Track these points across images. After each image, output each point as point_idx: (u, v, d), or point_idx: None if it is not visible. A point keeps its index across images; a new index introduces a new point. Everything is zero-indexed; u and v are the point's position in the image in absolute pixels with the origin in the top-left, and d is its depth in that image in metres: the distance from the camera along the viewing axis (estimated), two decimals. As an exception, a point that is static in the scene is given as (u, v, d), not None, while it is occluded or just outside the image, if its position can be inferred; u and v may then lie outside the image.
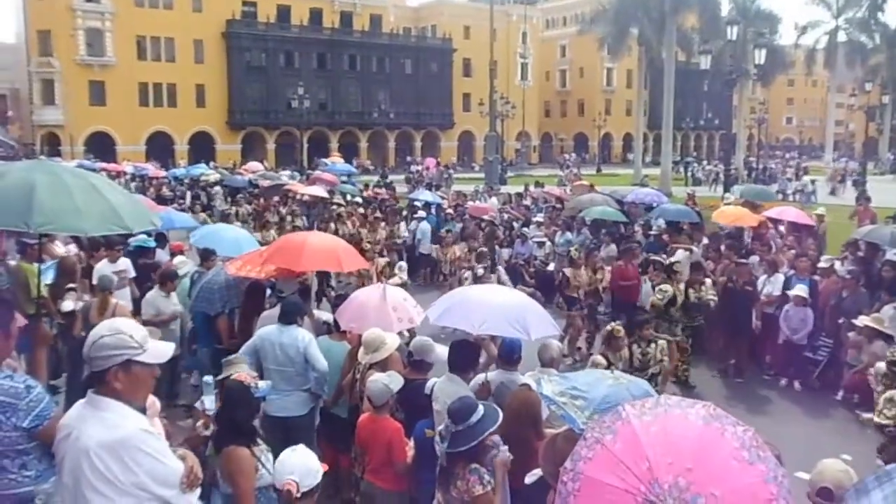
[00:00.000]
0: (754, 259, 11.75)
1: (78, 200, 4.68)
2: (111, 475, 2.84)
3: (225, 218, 18.95)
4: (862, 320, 8.62)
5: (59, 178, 4.84)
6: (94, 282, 9.00)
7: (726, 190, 26.80)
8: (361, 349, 5.81)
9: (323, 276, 12.89)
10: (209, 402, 4.64)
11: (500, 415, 4.05)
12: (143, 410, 3.57)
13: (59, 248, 10.91)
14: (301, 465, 3.64)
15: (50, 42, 55.27)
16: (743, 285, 10.36)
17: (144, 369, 3.08)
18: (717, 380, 10.48)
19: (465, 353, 5.37)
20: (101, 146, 54.98)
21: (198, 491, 3.15)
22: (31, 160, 5.44)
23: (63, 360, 8.16)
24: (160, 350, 3.20)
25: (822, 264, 10.87)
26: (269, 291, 7.79)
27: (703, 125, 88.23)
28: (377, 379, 5.09)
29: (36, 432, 3.35)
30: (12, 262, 9.08)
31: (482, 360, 5.81)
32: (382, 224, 16.79)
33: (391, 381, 5.07)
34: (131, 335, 3.04)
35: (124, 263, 9.85)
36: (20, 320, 3.87)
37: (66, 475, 2.97)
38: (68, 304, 7.82)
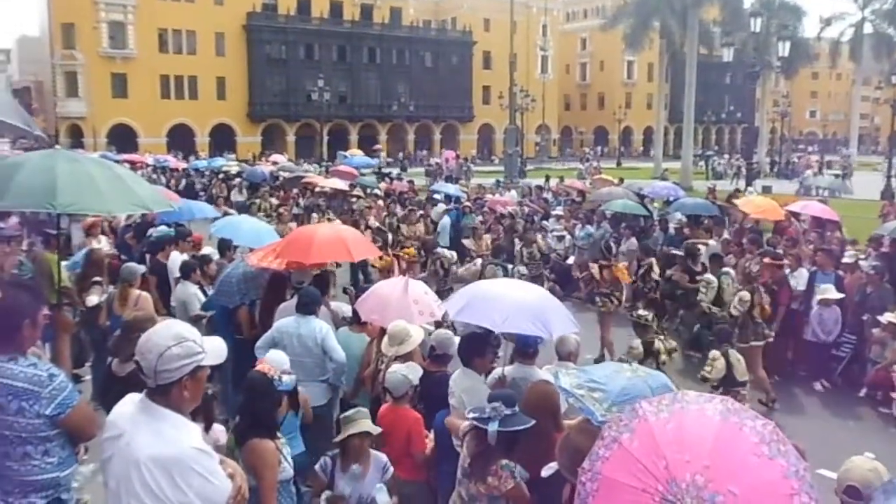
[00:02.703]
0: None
1: (99, 183, 4.77)
2: (160, 491, 2.72)
3: (242, 210, 19.01)
4: (886, 317, 8.52)
5: (79, 163, 4.97)
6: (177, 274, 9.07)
7: (748, 184, 26.58)
8: (385, 340, 5.81)
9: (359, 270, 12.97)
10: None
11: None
12: None
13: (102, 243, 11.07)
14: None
15: (73, 35, 55.85)
16: (770, 284, 10.20)
17: (206, 371, 2.95)
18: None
19: (473, 346, 5.39)
20: (123, 138, 55.51)
21: None
22: (47, 150, 5.56)
23: (86, 349, 8.26)
24: (216, 349, 3.04)
25: (846, 260, 10.73)
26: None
27: (725, 119, 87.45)
28: (396, 370, 5.10)
29: (59, 420, 3.40)
30: (37, 252, 9.23)
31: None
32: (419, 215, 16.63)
33: (410, 372, 5.08)
34: (194, 340, 2.86)
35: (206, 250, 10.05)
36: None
37: (112, 479, 2.84)
38: (93, 299, 7.89)
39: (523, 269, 11.51)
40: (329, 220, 15.19)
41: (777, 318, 9.96)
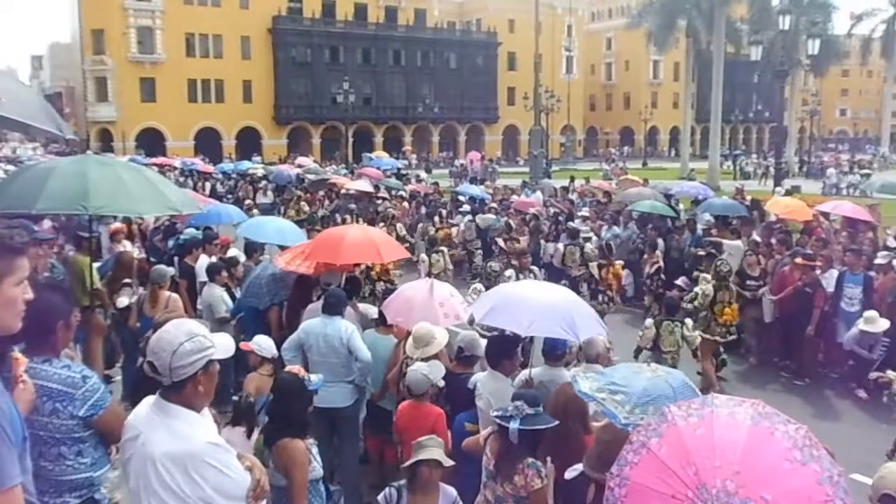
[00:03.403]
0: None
1: (130, 186, 4.90)
2: (176, 487, 2.78)
3: (267, 212, 19.12)
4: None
5: (110, 167, 5.13)
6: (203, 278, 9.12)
7: (777, 184, 26.26)
8: (410, 343, 5.82)
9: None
10: None
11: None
12: None
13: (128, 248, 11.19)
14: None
15: (103, 41, 56.77)
16: (804, 286, 10.07)
17: (217, 366, 3.00)
18: (768, 378, 10.26)
19: (500, 348, 5.38)
20: (151, 142, 56.27)
21: (264, 502, 3.12)
22: (79, 155, 5.73)
23: (117, 351, 8.37)
24: (225, 343, 3.12)
25: (879, 261, 10.54)
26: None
27: (753, 118, 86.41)
28: (417, 369, 5.11)
29: (91, 421, 3.45)
30: (69, 254, 9.36)
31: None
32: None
33: (431, 371, 5.08)
34: (204, 335, 2.94)
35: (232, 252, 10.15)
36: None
37: (132, 479, 2.93)
38: (123, 300, 7.99)
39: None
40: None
41: (814, 321, 9.84)
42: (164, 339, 2.86)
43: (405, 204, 20.06)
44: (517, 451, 3.99)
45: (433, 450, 4.04)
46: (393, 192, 22.31)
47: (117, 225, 11.71)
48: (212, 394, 3.01)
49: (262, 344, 5.96)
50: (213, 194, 26.60)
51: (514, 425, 3.93)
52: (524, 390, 4.14)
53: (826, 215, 14.41)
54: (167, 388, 2.86)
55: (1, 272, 2.12)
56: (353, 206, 19.16)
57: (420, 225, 17.36)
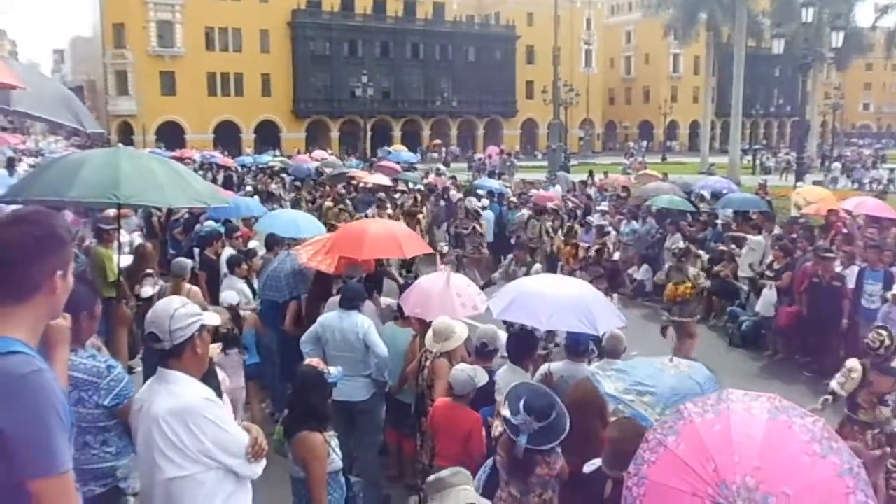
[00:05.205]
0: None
1: (160, 178, 4.99)
2: (179, 442, 2.98)
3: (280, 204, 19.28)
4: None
5: (140, 159, 5.25)
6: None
7: (798, 179, 25.98)
8: (430, 336, 5.81)
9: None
10: None
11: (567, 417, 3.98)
12: (217, 387, 3.72)
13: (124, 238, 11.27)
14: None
15: (124, 34, 57.16)
16: (830, 280, 9.97)
17: (208, 332, 3.28)
18: (790, 375, 10.17)
19: (521, 343, 5.35)
20: (171, 135, 56.55)
21: (263, 462, 3.22)
22: (111, 148, 5.83)
23: (138, 342, 8.44)
24: (211, 314, 3.48)
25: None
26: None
27: (774, 112, 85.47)
28: (463, 369, 5.05)
29: (116, 411, 3.51)
30: (89, 245, 9.47)
31: None
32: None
33: (476, 375, 5.05)
34: (192, 303, 3.27)
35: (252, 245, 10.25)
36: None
37: (140, 445, 3.15)
38: (147, 290, 8.05)
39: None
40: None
41: (844, 314, 9.75)
42: (160, 309, 3.18)
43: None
44: (528, 457, 3.95)
45: (465, 489, 3.53)
46: (410, 186, 22.34)
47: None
48: (206, 360, 3.28)
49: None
50: (240, 187, 26.72)
51: (521, 442, 3.82)
52: (538, 398, 3.91)
53: (849, 212, 14.24)
54: (168, 355, 3.11)
55: (66, 261, 2.21)
56: (343, 191, 19.47)
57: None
